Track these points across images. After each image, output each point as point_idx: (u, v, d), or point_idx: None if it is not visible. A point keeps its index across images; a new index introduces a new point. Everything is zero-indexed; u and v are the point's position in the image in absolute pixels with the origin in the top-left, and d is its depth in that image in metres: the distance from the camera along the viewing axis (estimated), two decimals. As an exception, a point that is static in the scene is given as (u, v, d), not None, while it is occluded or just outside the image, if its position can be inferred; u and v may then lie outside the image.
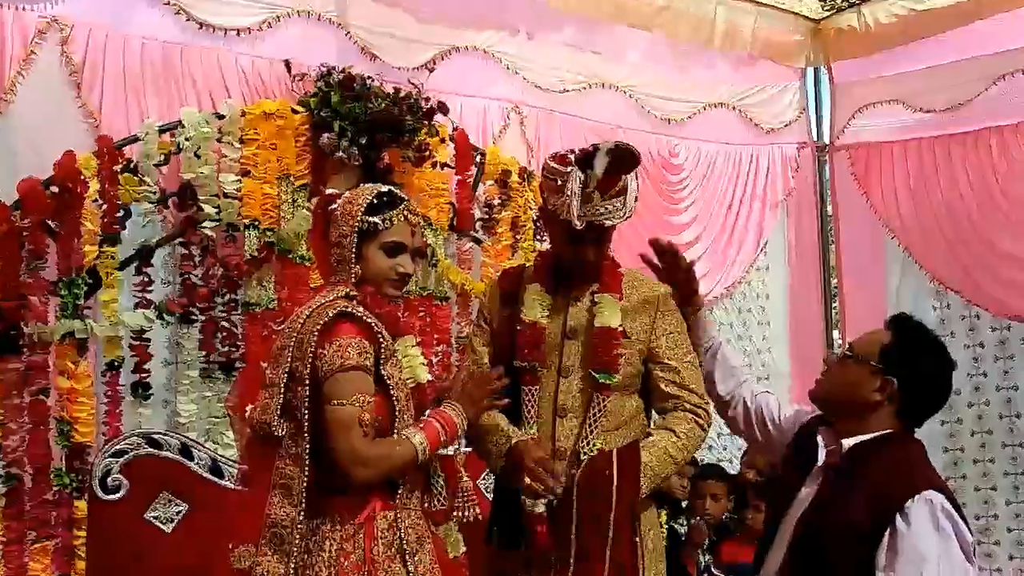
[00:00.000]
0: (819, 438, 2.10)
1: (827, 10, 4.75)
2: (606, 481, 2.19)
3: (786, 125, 5.06)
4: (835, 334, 5.11)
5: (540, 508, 2.25)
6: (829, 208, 5.21)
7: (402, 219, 2.02)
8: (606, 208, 2.18)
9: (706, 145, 4.77)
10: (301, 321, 1.95)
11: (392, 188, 2.09)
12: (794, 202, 5.11)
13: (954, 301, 4.82)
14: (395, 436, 1.94)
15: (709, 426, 2.36)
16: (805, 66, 5.03)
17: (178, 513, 2.86)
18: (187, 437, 2.96)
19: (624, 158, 2.17)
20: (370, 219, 1.99)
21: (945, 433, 4.83)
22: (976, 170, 4.59)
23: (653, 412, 2.45)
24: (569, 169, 2.17)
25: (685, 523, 3.76)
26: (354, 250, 1.99)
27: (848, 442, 2.01)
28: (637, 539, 2.25)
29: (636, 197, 2.23)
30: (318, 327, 1.90)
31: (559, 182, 2.19)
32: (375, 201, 2.00)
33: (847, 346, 2.13)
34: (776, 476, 2.39)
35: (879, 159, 4.95)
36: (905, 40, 4.59)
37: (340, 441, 1.87)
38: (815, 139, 5.18)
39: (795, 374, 4.88)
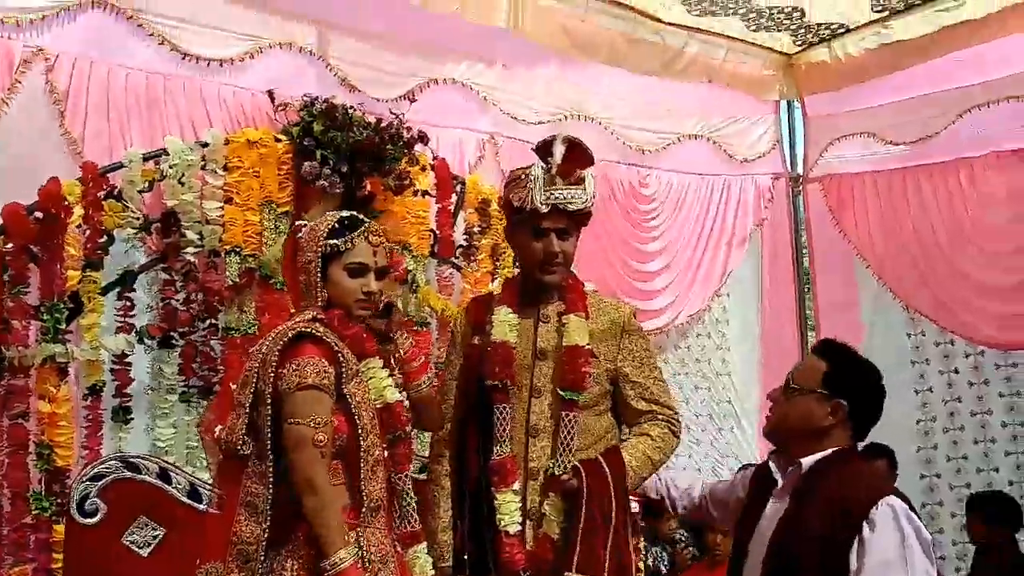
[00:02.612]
0: (771, 465, 2.20)
1: (799, 45, 4.87)
2: (604, 484, 2.26)
3: (760, 156, 5.17)
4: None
5: (514, 527, 2.30)
6: (804, 238, 5.30)
7: (363, 240, 2.09)
8: (569, 193, 2.31)
9: (678, 175, 4.86)
10: (266, 343, 2.01)
11: (354, 213, 2.18)
12: (768, 232, 5.20)
13: (928, 328, 4.91)
14: (345, 524, 1.96)
15: (680, 434, 2.46)
16: (779, 99, 5.16)
17: (155, 537, 2.85)
18: (165, 461, 2.97)
19: (581, 151, 2.32)
20: (331, 242, 2.06)
21: (921, 460, 4.90)
22: (946, 201, 4.71)
23: (625, 431, 2.52)
24: (531, 164, 2.32)
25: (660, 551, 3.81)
26: (319, 274, 2.07)
27: (807, 461, 2.10)
28: (633, 541, 2.34)
29: (594, 193, 2.36)
30: (279, 347, 1.96)
31: (522, 177, 2.32)
32: (336, 226, 2.09)
33: (788, 380, 2.21)
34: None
35: (852, 190, 5.06)
36: (875, 74, 4.72)
37: (295, 461, 1.94)
38: (789, 170, 5.29)
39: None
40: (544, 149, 2.33)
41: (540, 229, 2.33)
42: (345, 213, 2.16)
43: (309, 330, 2.00)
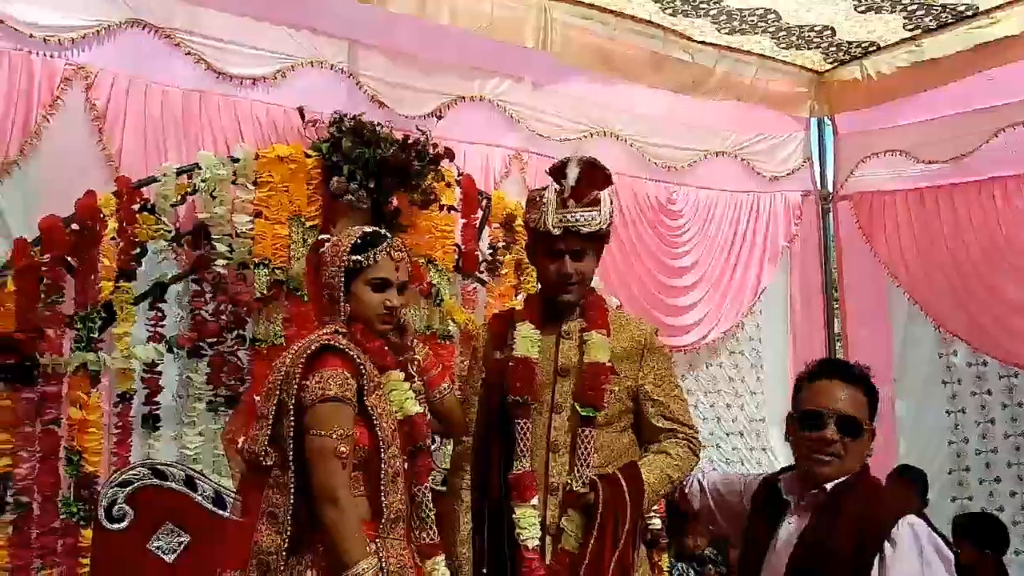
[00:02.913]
0: (782, 487, 2.20)
1: (830, 63, 4.85)
2: (621, 499, 2.26)
3: (790, 173, 5.14)
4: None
5: (533, 542, 2.31)
6: (833, 256, 5.26)
7: (385, 256, 2.12)
8: (581, 215, 2.30)
9: (707, 192, 4.85)
10: (290, 356, 2.05)
11: (376, 228, 2.21)
12: (797, 249, 5.17)
13: (960, 348, 4.85)
14: (364, 535, 1.98)
15: (699, 453, 2.44)
16: (809, 116, 5.13)
17: (180, 543, 2.91)
18: (192, 469, 3.03)
19: (597, 172, 2.31)
20: (355, 258, 2.10)
21: (953, 481, 4.83)
22: (980, 220, 4.65)
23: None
24: (545, 185, 2.32)
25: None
26: (342, 288, 2.10)
27: (830, 484, 2.11)
28: (635, 554, 2.32)
29: (612, 212, 2.35)
30: (303, 360, 1.99)
31: (537, 199, 2.33)
32: (359, 241, 2.12)
33: (859, 422, 2.11)
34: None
35: (883, 208, 5.02)
36: (907, 92, 4.68)
37: (318, 472, 1.96)
38: (819, 187, 5.26)
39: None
40: (558, 171, 2.33)
41: (555, 250, 2.34)
42: (368, 228, 2.19)
43: (332, 343, 2.03)
